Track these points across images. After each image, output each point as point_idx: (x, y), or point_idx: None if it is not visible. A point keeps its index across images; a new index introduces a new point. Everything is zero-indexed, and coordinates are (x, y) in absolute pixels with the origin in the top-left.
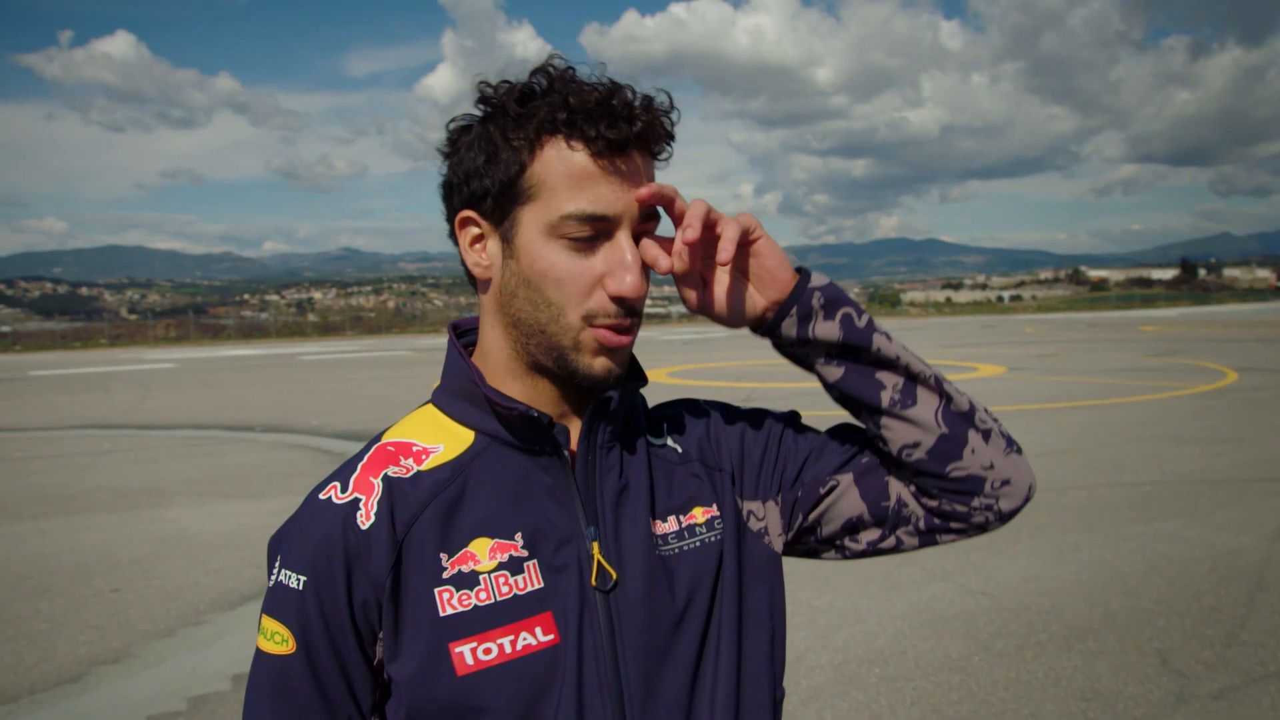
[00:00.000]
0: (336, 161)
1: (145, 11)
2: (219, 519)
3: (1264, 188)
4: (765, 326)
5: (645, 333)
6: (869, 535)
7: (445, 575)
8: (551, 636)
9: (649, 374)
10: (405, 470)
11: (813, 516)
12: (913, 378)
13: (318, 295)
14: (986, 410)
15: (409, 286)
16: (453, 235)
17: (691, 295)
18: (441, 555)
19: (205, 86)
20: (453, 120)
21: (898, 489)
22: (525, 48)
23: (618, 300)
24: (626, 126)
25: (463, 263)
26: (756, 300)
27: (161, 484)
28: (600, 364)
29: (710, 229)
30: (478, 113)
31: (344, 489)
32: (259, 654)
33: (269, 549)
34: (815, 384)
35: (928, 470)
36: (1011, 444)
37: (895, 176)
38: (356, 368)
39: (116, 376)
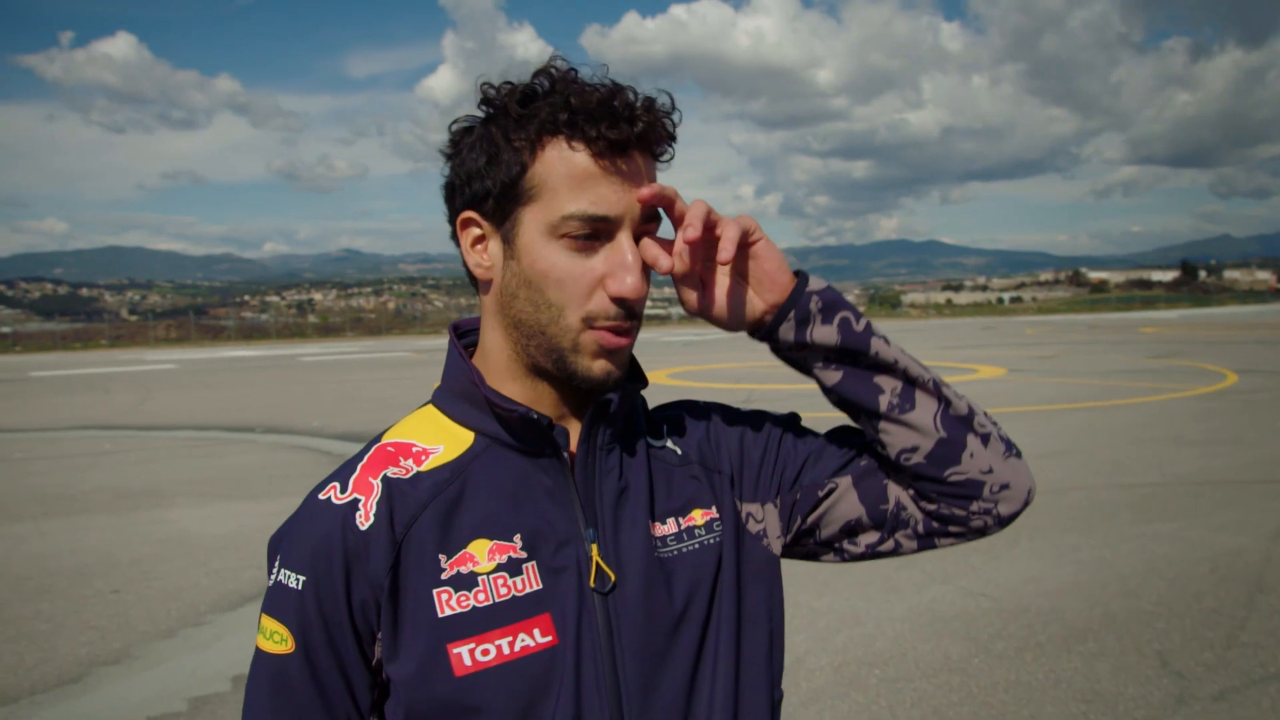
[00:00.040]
0: (337, 163)
1: (146, 12)
2: (219, 520)
3: (1264, 189)
4: (763, 330)
5: (645, 334)
6: (868, 538)
7: (444, 576)
8: (550, 638)
9: (649, 375)
10: (405, 471)
11: (811, 519)
12: (911, 382)
13: (318, 296)
14: (985, 414)
15: (409, 288)
16: (454, 236)
17: (691, 297)
18: (440, 556)
19: (206, 88)
20: (455, 121)
21: (896, 492)
22: (526, 49)
23: (618, 301)
24: (628, 127)
25: (464, 264)
26: (755, 303)
27: (162, 485)
28: (599, 367)
29: (710, 230)
30: (480, 114)
31: (343, 489)
32: (258, 653)
33: (269, 548)
34: (815, 386)
35: (926, 474)
36: (1011, 448)
37: (896, 178)
38: (357, 369)
39: (117, 377)
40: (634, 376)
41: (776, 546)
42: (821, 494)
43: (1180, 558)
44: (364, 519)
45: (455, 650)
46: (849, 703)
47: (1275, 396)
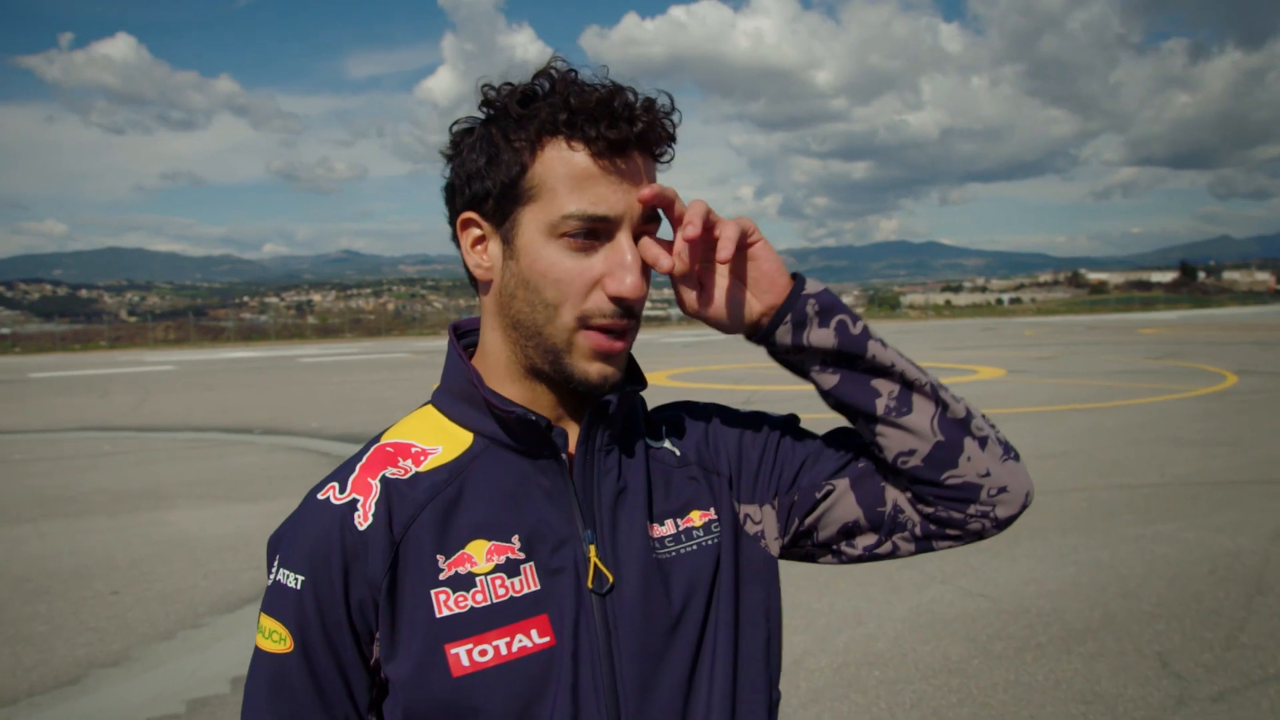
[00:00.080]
0: (336, 164)
1: (146, 14)
2: (218, 521)
3: (1263, 190)
4: (760, 334)
5: (645, 335)
6: (865, 540)
7: (442, 577)
8: (547, 639)
9: (648, 377)
10: (403, 471)
11: (809, 521)
12: (908, 385)
13: (317, 297)
14: (983, 416)
15: (408, 289)
16: (455, 237)
17: (689, 297)
18: (438, 557)
19: (205, 89)
20: (455, 123)
21: (894, 495)
22: (525, 50)
23: (616, 300)
24: (627, 127)
25: (464, 264)
26: (753, 304)
27: (161, 486)
28: (596, 370)
29: (709, 230)
30: (480, 115)
31: (342, 489)
32: (257, 652)
33: (268, 548)
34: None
35: (923, 478)
36: (1009, 450)
37: (895, 179)
38: (356, 370)
39: (116, 379)
40: (633, 378)
41: (774, 548)
42: (819, 496)
43: (1180, 559)
44: (362, 519)
45: (453, 651)
46: (849, 703)
47: (1274, 397)
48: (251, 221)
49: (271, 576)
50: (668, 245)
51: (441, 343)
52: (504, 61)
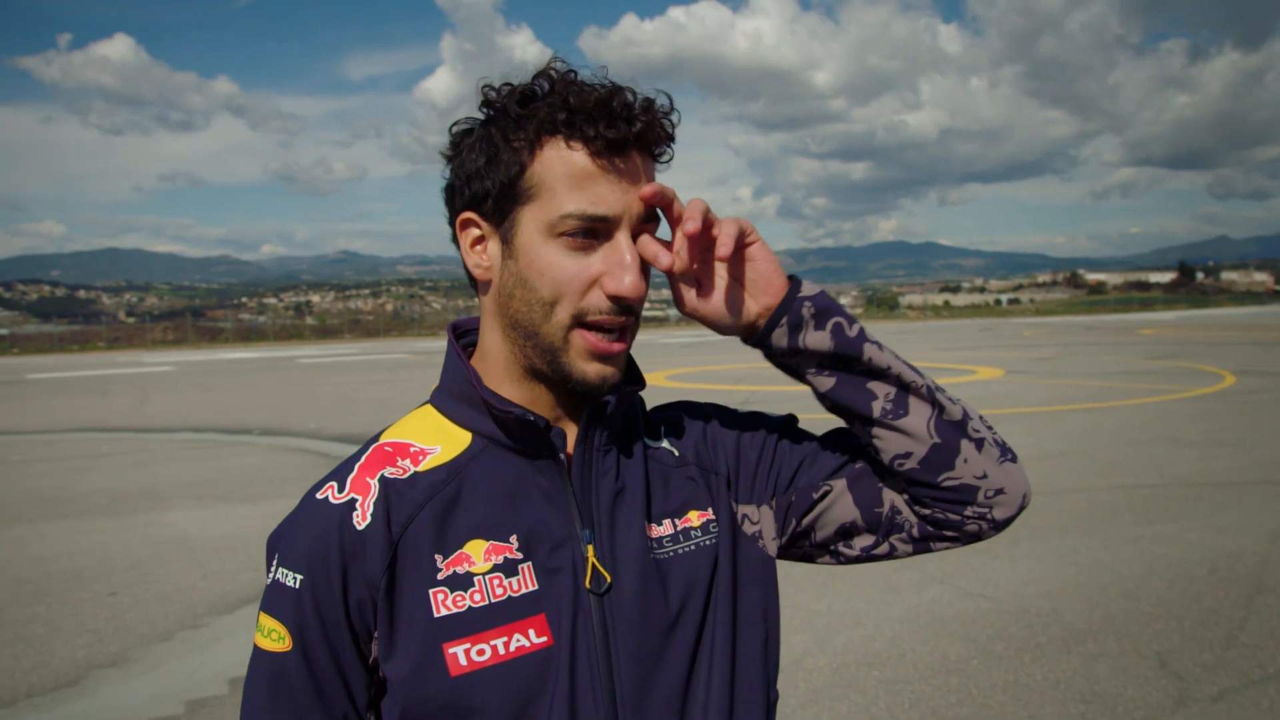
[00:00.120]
0: (335, 165)
1: (144, 14)
2: (217, 522)
3: (1262, 191)
4: (756, 337)
5: (643, 336)
6: (863, 541)
7: (440, 576)
8: (545, 639)
9: (647, 377)
10: (402, 471)
11: (806, 521)
12: (905, 387)
13: (315, 298)
14: (980, 418)
15: (407, 290)
16: (455, 238)
17: (687, 296)
18: (436, 556)
19: (204, 90)
20: (455, 124)
21: (891, 496)
22: (524, 51)
23: (615, 299)
24: (625, 126)
25: (464, 265)
26: (750, 305)
27: (159, 487)
28: (594, 370)
29: (707, 229)
30: (480, 116)
31: (341, 489)
32: (257, 651)
33: (267, 547)
34: None
35: (920, 480)
36: (1006, 452)
37: (894, 180)
38: (354, 371)
39: (114, 379)
40: (631, 378)
41: (772, 548)
42: (816, 496)
43: (1179, 559)
44: (361, 519)
45: (451, 650)
46: (848, 704)
47: (1273, 398)
48: (250, 222)
49: (270, 575)
50: (667, 244)
51: (440, 343)
52: (503, 62)
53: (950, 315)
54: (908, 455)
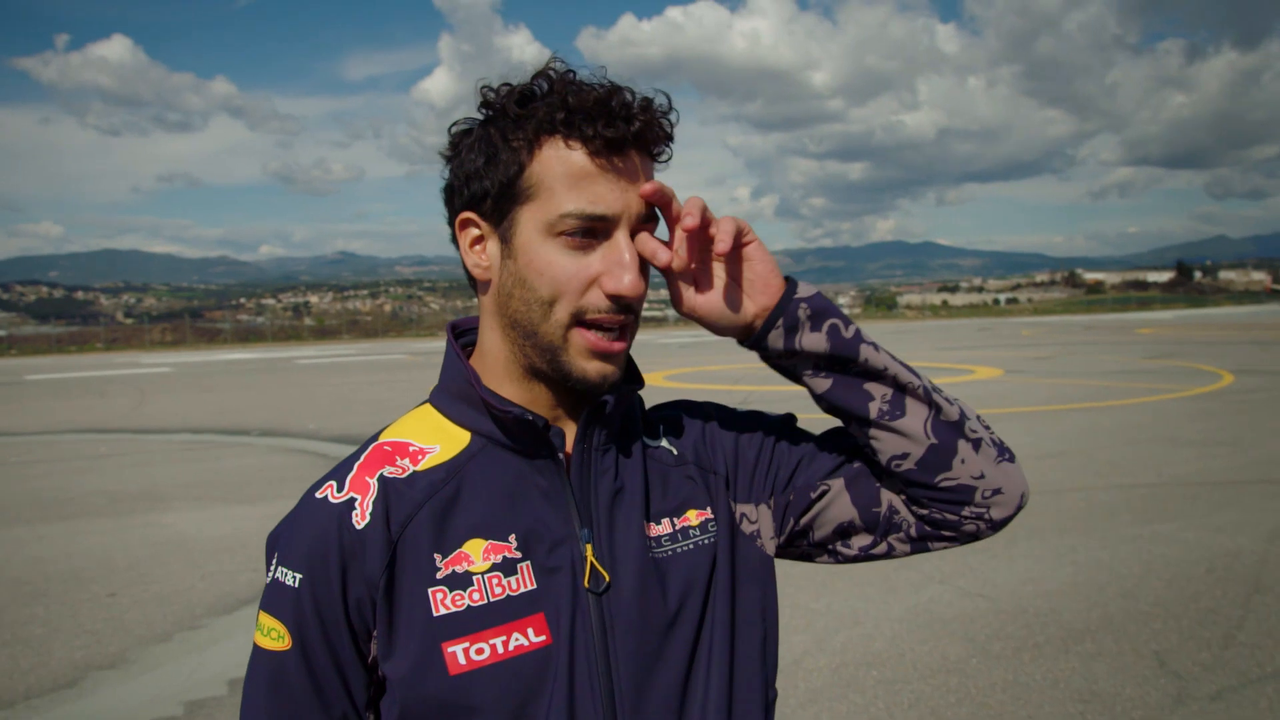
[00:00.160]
0: (333, 165)
1: (142, 15)
2: (216, 523)
3: (1259, 190)
4: (752, 338)
5: (642, 336)
6: (861, 541)
7: (439, 575)
8: (544, 638)
9: (645, 377)
10: (401, 470)
11: (804, 521)
12: (901, 388)
13: (314, 299)
14: (978, 418)
15: (405, 290)
16: (454, 238)
17: (685, 294)
18: (435, 556)
19: (202, 90)
20: (454, 124)
21: (889, 496)
22: (522, 51)
23: (614, 298)
24: (624, 126)
25: (463, 265)
26: (747, 305)
27: (158, 488)
28: (595, 369)
29: (705, 228)
30: (479, 116)
31: (340, 488)
32: (256, 649)
33: (267, 546)
34: None
35: (917, 480)
36: (1003, 452)
37: (892, 179)
38: (353, 371)
39: (113, 380)
40: (631, 377)
41: (770, 547)
42: (814, 496)
43: (1178, 558)
44: (360, 518)
45: (450, 649)
46: (847, 703)
47: (1272, 397)
48: (248, 223)
49: (270, 574)
50: (665, 242)
51: (439, 344)
52: (501, 63)
53: (948, 315)
54: (905, 456)
